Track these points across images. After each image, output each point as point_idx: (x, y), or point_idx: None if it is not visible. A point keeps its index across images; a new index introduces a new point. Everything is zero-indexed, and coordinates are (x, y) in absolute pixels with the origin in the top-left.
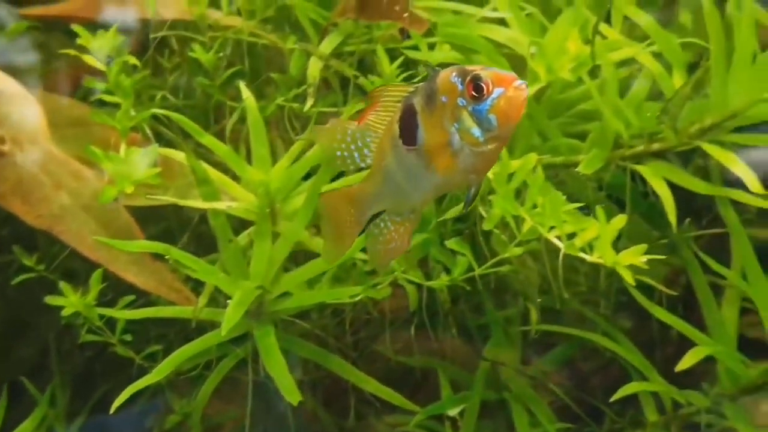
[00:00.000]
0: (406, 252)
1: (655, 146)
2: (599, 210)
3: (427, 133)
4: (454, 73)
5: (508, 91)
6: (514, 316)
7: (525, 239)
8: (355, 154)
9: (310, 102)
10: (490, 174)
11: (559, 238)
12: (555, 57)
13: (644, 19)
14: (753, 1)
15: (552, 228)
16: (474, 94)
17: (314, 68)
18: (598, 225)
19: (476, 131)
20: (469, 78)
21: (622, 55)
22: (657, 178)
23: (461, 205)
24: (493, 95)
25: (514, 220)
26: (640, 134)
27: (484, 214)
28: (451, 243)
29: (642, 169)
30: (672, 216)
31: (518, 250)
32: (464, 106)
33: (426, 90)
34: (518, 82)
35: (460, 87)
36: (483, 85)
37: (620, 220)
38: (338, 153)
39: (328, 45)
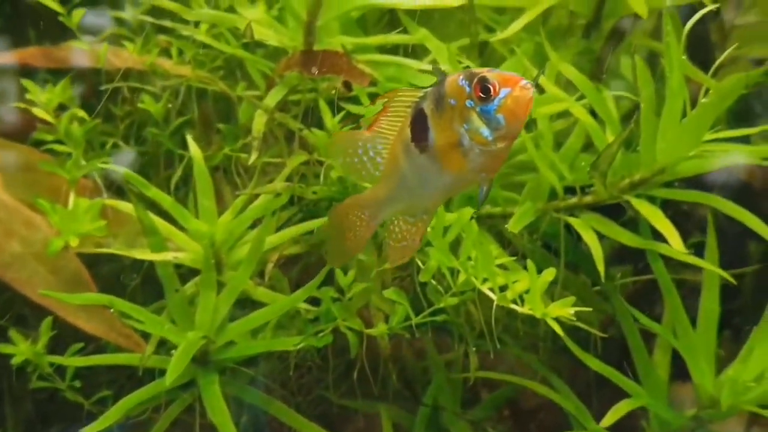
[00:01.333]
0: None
1: (587, 199)
2: (530, 263)
3: (437, 136)
4: (461, 77)
5: (515, 91)
6: (456, 360)
7: (460, 290)
8: (368, 165)
9: (254, 155)
10: (428, 228)
11: (492, 289)
12: None
13: (576, 76)
14: (685, 60)
15: (485, 280)
16: (481, 95)
17: (259, 122)
18: (529, 277)
19: (485, 131)
20: (476, 80)
21: (557, 108)
22: (587, 230)
23: None
24: (500, 95)
25: (449, 272)
26: (574, 187)
27: (421, 265)
28: (388, 293)
29: (573, 221)
30: (600, 266)
31: (453, 300)
32: (472, 107)
33: (435, 94)
34: (524, 82)
35: (467, 89)
36: (490, 87)
37: (550, 273)
38: (355, 160)
39: (272, 98)
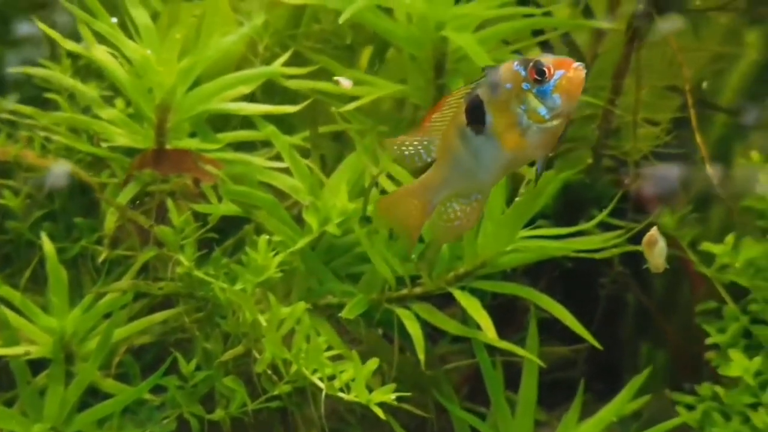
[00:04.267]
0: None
1: (417, 290)
2: (354, 354)
3: (495, 118)
4: (515, 63)
5: (569, 72)
6: None
7: (293, 379)
8: (422, 152)
9: (105, 253)
10: (263, 321)
11: (321, 379)
12: (326, 210)
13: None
14: None
15: (315, 370)
16: (537, 77)
17: (110, 220)
18: (354, 367)
19: (542, 110)
20: (531, 65)
21: None
22: (410, 320)
23: (240, 347)
24: (556, 76)
25: (283, 362)
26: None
27: (257, 355)
28: (226, 380)
29: (400, 312)
30: (421, 355)
31: (287, 388)
32: (529, 89)
33: (489, 82)
34: (576, 63)
35: (523, 74)
36: (545, 69)
37: (373, 363)
38: (406, 153)
39: (125, 195)
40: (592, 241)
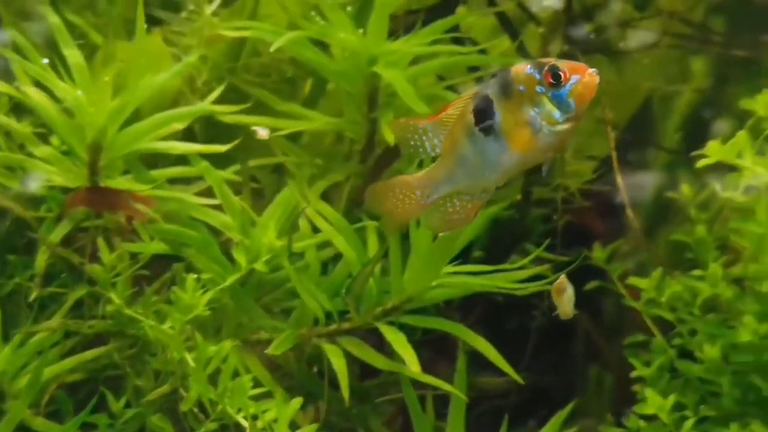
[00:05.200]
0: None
1: (345, 325)
2: (278, 394)
3: (506, 119)
4: (528, 66)
5: (584, 77)
6: None
7: (218, 417)
8: (427, 145)
9: (35, 292)
10: (191, 360)
11: (246, 418)
12: (256, 247)
13: (329, 212)
14: None
15: (239, 410)
16: (552, 81)
17: (41, 258)
18: (277, 406)
19: (556, 114)
20: (546, 69)
21: (321, 239)
22: (337, 357)
23: (166, 385)
24: (571, 81)
25: (209, 401)
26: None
27: (184, 394)
28: (154, 419)
29: (327, 348)
30: (345, 392)
31: (213, 426)
32: (543, 92)
33: (500, 83)
34: (591, 69)
35: (537, 77)
36: (561, 74)
37: (297, 402)
38: (411, 143)
39: (57, 233)
40: (515, 276)
